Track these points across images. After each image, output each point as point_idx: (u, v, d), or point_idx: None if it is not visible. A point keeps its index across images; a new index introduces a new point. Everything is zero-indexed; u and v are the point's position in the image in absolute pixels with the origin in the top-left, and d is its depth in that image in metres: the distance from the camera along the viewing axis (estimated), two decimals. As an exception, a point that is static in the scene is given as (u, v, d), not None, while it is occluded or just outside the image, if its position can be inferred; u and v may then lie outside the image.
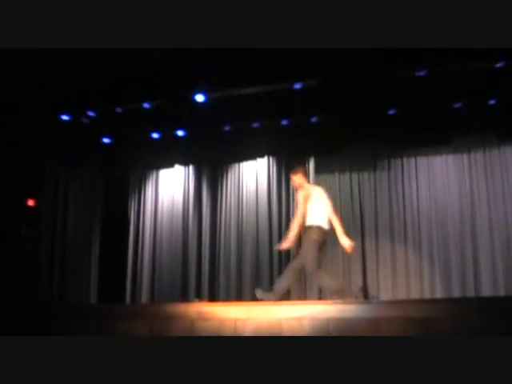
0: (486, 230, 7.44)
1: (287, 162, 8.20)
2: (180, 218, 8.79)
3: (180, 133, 8.32)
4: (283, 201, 8.30)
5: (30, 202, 8.03)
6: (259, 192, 8.44)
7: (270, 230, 8.24)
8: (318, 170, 8.09)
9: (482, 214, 7.49)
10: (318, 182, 7.85)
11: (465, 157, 7.72)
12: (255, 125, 7.97)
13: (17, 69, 6.53)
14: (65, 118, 7.78)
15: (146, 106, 7.61)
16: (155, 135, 8.43)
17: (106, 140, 8.63)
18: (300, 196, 5.77)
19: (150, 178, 9.14)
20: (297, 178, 5.95)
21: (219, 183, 8.81)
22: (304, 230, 5.69)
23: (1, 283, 6.48)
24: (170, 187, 9.00)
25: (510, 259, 7.25)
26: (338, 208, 7.94)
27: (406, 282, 7.63)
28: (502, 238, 7.35)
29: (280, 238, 8.12)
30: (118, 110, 7.73)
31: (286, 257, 7.73)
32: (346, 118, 7.42)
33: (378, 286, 7.68)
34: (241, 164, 8.70)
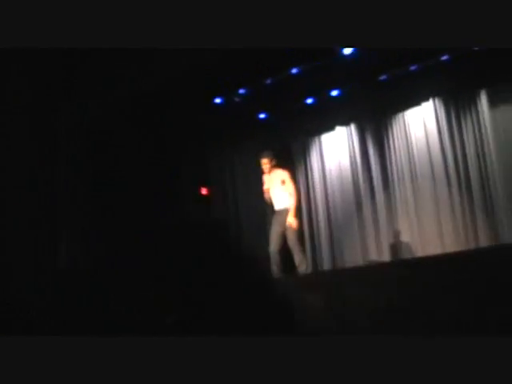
0: None
1: (456, 100, 7.41)
2: (350, 180, 8.41)
3: (334, 93, 7.92)
4: (457, 145, 7.48)
5: (204, 191, 8.24)
6: (430, 140, 7.69)
7: (448, 180, 7.50)
8: (493, 103, 7.14)
9: None
10: (494, 117, 6.93)
11: None
12: (412, 67, 7.25)
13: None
14: (217, 101, 7.81)
15: (293, 72, 7.35)
16: (309, 100, 8.14)
17: (261, 116, 8.53)
18: None
19: (313, 144, 8.86)
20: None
21: (385, 138, 8.22)
22: None
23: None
24: (335, 151, 8.63)
25: None
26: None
27: None
28: None
29: (459, 187, 7.43)
30: (268, 82, 7.56)
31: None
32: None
33: None
34: (405, 113, 8.02)
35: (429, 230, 7.60)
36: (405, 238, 7.87)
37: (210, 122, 8.10)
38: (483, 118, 7.17)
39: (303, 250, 6.55)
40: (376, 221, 8.13)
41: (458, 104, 7.49)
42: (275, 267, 6.25)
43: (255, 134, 8.56)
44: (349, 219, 8.37)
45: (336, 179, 8.57)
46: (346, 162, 8.48)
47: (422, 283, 3.93)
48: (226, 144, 8.43)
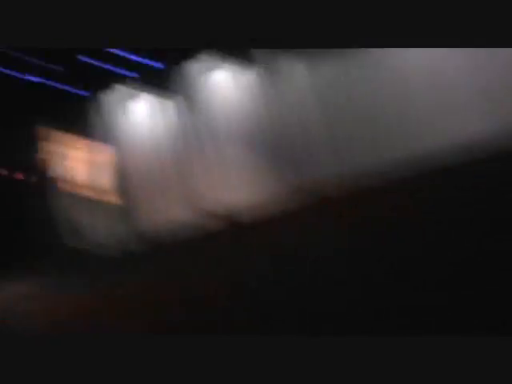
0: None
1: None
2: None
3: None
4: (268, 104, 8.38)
5: (18, 176, 7.82)
6: (235, 103, 8.08)
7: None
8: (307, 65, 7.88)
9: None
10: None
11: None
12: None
13: None
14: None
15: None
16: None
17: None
18: None
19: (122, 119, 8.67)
20: None
21: (189, 106, 8.38)
22: None
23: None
24: (141, 124, 8.64)
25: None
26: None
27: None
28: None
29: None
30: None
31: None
32: None
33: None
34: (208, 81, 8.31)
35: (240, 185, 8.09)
36: (215, 195, 8.27)
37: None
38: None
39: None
40: (184, 184, 8.47)
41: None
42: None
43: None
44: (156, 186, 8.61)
45: (143, 149, 8.65)
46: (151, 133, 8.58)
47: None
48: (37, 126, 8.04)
